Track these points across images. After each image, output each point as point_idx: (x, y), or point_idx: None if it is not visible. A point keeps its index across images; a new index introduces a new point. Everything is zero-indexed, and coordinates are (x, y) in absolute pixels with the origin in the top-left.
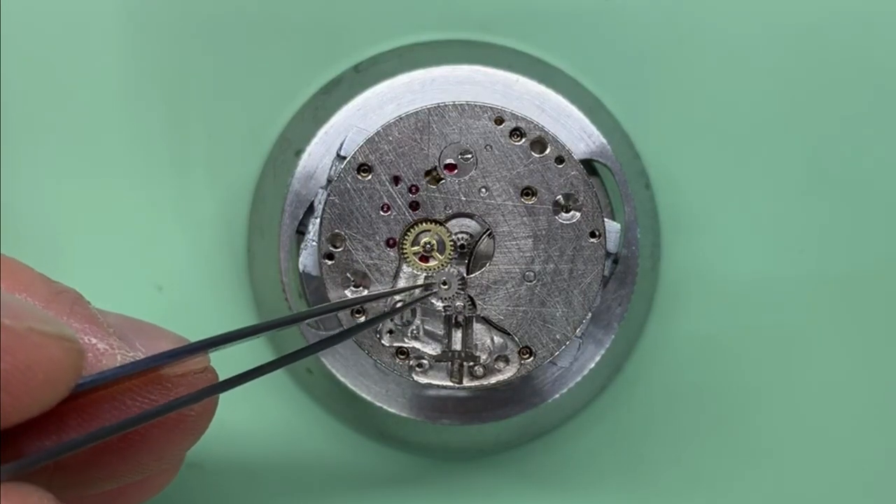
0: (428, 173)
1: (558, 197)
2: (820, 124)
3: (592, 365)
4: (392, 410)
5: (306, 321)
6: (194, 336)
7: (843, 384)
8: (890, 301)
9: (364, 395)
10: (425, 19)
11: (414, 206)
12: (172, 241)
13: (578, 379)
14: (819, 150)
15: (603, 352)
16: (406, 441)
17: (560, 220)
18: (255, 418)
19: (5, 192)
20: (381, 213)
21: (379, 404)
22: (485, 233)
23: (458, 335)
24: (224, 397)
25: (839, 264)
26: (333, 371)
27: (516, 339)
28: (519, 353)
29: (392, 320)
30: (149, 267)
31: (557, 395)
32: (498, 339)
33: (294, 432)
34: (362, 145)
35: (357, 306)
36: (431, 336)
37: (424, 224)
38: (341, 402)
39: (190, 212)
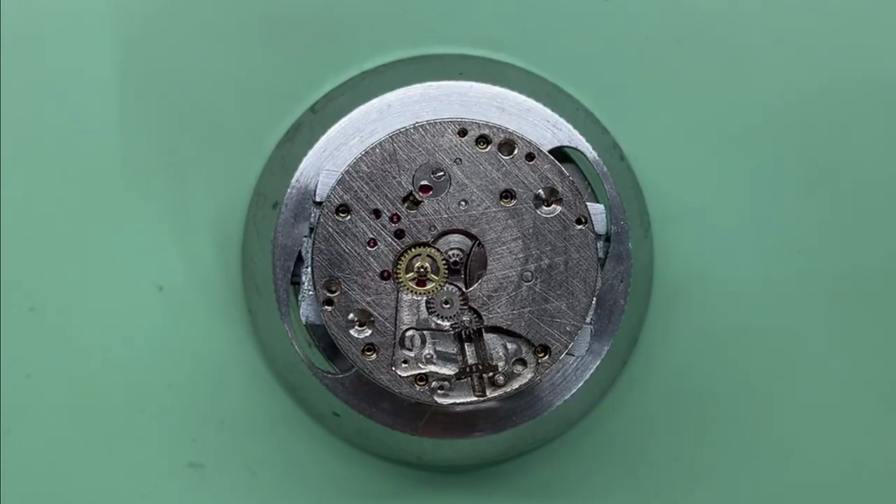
0: (405, 199)
1: (538, 191)
2: (816, 123)
3: (587, 376)
4: (405, 433)
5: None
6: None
7: (842, 382)
8: (887, 299)
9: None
10: (367, 45)
11: (399, 234)
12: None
13: (581, 384)
14: (815, 149)
15: (598, 363)
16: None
17: (544, 215)
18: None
19: (5, 192)
20: (369, 248)
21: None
22: (474, 244)
23: (471, 349)
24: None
25: (836, 262)
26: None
27: (529, 339)
28: (534, 352)
29: (403, 350)
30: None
31: (560, 402)
32: (511, 345)
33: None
34: (335, 187)
35: (367, 345)
36: (445, 357)
37: (414, 249)
38: (368, 436)
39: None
